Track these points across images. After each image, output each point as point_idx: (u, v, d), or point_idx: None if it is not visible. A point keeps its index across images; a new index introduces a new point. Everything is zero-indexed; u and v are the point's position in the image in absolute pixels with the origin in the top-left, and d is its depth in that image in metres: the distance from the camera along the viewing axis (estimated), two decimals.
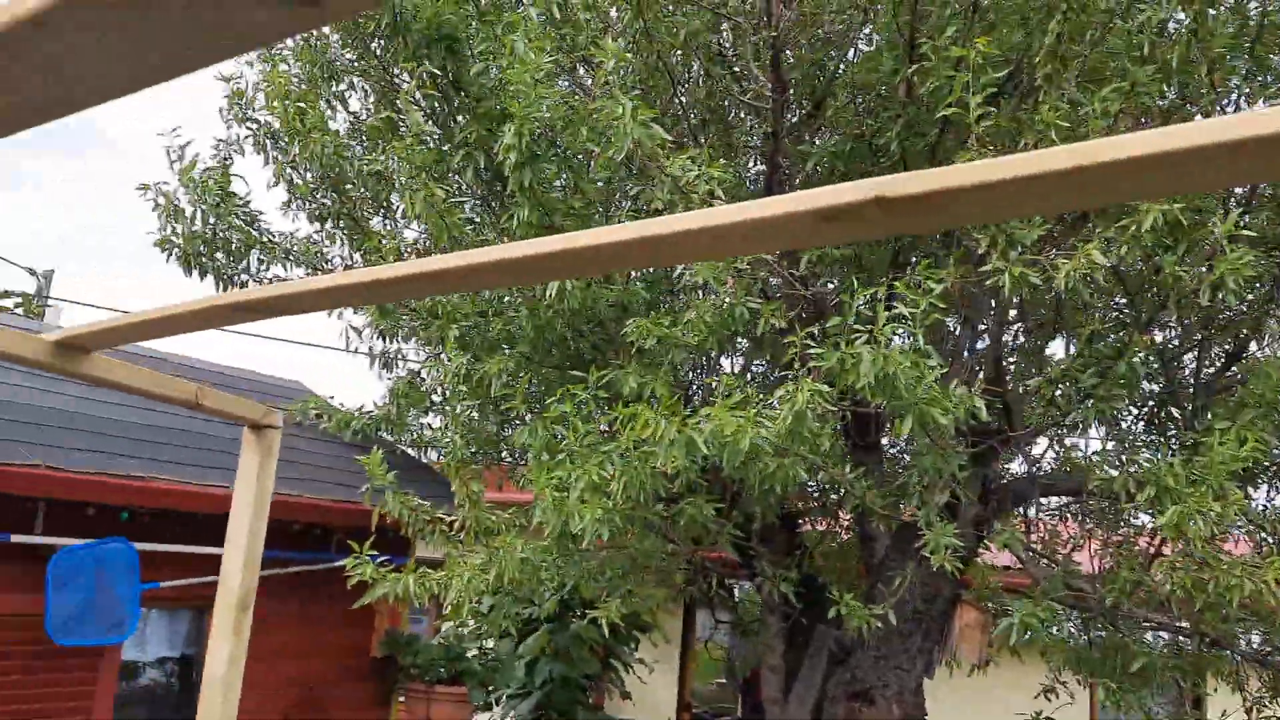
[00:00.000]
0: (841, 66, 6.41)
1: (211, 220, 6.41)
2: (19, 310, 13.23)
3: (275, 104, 6.13)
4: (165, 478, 5.92)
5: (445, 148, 5.94)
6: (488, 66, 5.10)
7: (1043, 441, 6.93)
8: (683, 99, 6.47)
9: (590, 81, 5.92)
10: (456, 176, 5.98)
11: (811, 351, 4.69)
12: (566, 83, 6.20)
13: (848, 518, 7.91)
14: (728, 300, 5.20)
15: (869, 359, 4.36)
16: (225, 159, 6.54)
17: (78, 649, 5.61)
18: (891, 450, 7.66)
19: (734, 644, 12.20)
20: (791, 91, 6.35)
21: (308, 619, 7.13)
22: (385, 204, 6.55)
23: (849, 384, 4.51)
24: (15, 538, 5.35)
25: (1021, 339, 7.05)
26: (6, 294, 13.40)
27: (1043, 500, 7.32)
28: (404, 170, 5.54)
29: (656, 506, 5.44)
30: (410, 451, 8.35)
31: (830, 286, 6.48)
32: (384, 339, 6.97)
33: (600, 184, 5.78)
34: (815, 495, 7.61)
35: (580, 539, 4.72)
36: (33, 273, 13.96)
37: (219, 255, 6.53)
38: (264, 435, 3.24)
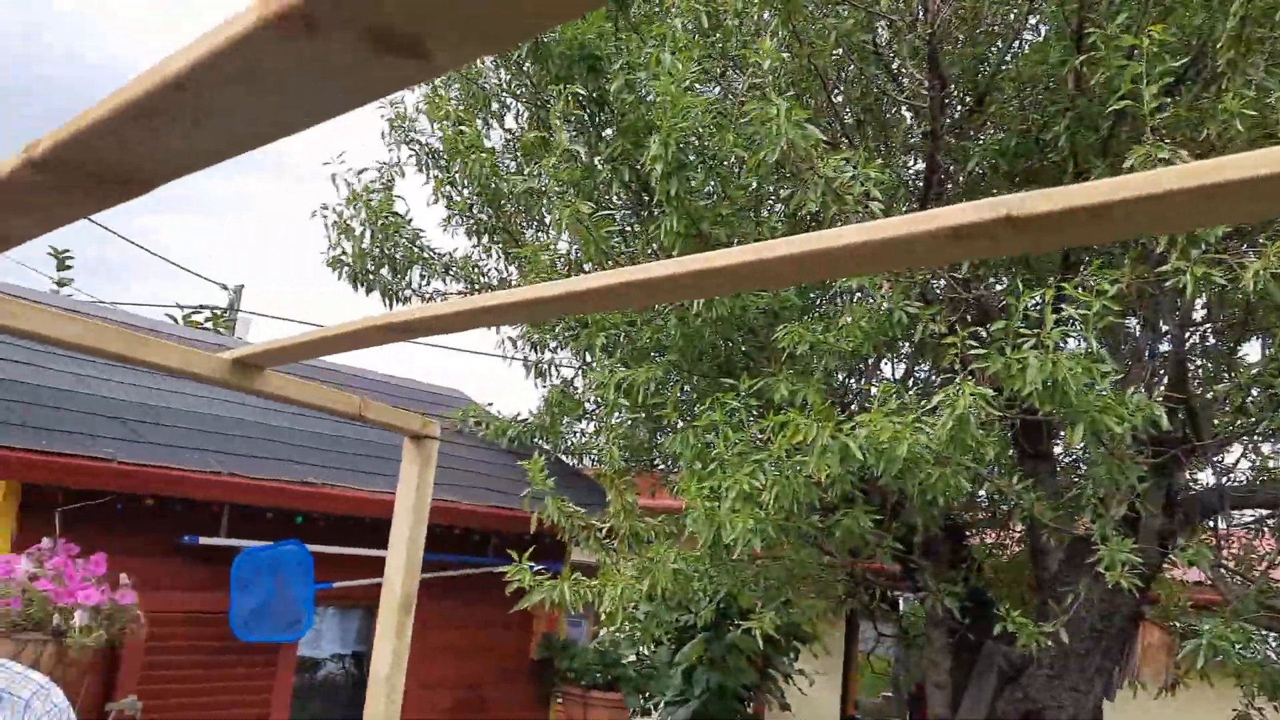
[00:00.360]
0: (1005, 60, 6.13)
1: (378, 238, 6.70)
2: (209, 324, 14.13)
3: (437, 126, 6.36)
4: (335, 484, 6.19)
5: (595, 161, 6.01)
6: (630, 82, 5.12)
7: (1235, 450, 6.44)
8: (836, 100, 6.33)
9: (740, 86, 5.87)
10: (605, 190, 6.04)
11: (973, 353, 4.50)
12: (716, 89, 6.17)
13: (1018, 530, 7.57)
14: (885, 305, 5.05)
15: (1035, 364, 4.15)
16: (388, 181, 6.83)
17: (258, 645, 5.93)
18: (1066, 460, 7.27)
19: (899, 657, 11.85)
20: (952, 87, 6.12)
21: (469, 621, 7.33)
22: (538, 218, 6.69)
23: (1015, 390, 4.30)
24: (203, 540, 5.71)
25: (1211, 340, 6.58)
26: (200, 308, 14.37)
27: (1236, 513, 6.80)
28: (551, 187, 5.65)
29: (811, 517, 5.33)
30: (565, 459, 8.47)
31: (997, 289, 6.21)
32: (536, 348, 7.10)
33: (750, 189, 5.73)
34: (983, 506, 7.30)
35: (732, 549, 4.67)
36: (225, 288, 14.92)
37: (384, 272, 6.82)
38: (423, 445, 3.34)
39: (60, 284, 12.52)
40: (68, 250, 12.61)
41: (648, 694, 8.31)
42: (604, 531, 5.71)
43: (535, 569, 5.52)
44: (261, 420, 6.56)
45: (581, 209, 5.34)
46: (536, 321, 6.14)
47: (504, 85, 6.74)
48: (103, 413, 5.54)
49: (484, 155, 6.22)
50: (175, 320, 13.52)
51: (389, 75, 0.78)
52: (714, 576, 5.38)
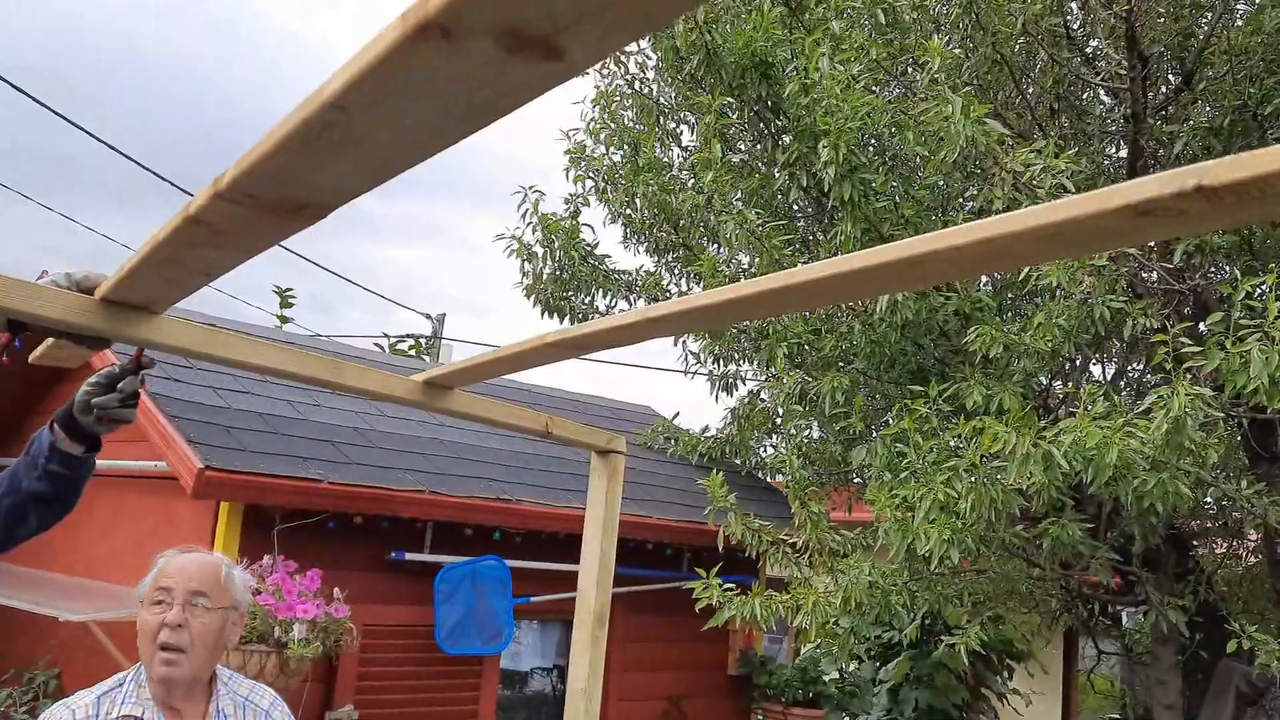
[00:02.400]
0: (1214, 32, 5.69)
1: (560, 259, 6.88)
2: (412, 352, 14.84)
3: (613, 150, 6.50)
4: (530, 500, 6.36)
5: (774, 171, 5.94)
6: (805, 86, 5.04)
7: None
8: (1027, 89, 6.04)
9: (921, 82, 5.69)
10: (782, 197, 5.97)
11: (1187, 350, 4.17)
12: (896, 88, 6.00)
13: (1253, 539, 6.97)
14: (1087, 301, 4.76)
15: (1260, 357, 3.80)
16: (575, 211, 7.02)
17: (463, 657, 6.15)
18: None
19: (1125, 677, 11.10)
20: (1154, 66, 5.73)
21: (667, 635, 7.35)
22: (714, 232, 6.70)
23: (1239, 387, 3.95)
24: (408, 555, 5.98)
25: None
26: (405, 337, 15.13)
27: None
28: (717, 201, 5.63)
29: (1015, 527, 5.06)
30: (757, 475, 8.40)
31: (1216, 278, 5.76)
32: (719, 362, 7.08)
33: (934, 188, 5.53)
34: (1211, 513, 6.75)
35: (929, 561, 4.49)
36: (428, 317, 15.66)
37: (570, 294, 6.98)
38: (609, 460, 3.38)
39: (283, 320, 13.46)
40: (290, 289, 13.57)
41: (851, 712, 8.10)
42: (794, 546, 5.61)
43: (725, 584, 5.47)
44: (459, 440, 6.82)
45: (749, 216, 5.29)
46: (706, 329, 6.12)
47: (677, 102, 6.79)
48: (316, 437, 5.90)
49: (654, 175, 6.28)
50: (382, 349, 14.29)
51: (529, 77, 0.78)
52: (913, 590, 5.18)
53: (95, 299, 1.77)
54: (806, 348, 5.82)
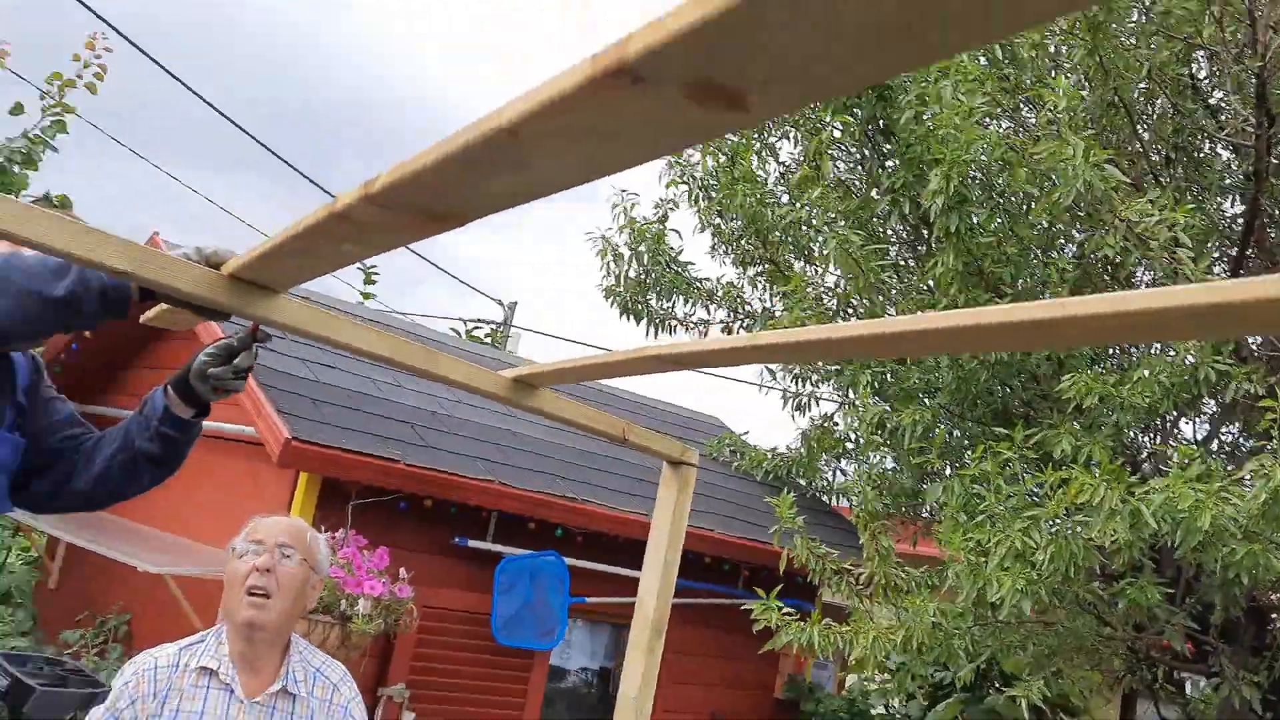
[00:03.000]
0: None
1: (645, 263, 6.88)
2: (487, 339, 14.94)
3: (710, 159, 6.48)
4: (595, 501, 6.38)
5: (873, 194, 5.87)
6: (918, 113, 4.97)
7: None
8: (1144, 136, 5.88)
9: (1034, 121, 5.57)
10: (881, 222, 5.89)
11: None
12: (1007, 124, 5.89)
13: None
14: (1190, 359, 4.62)
15: None
16: (663, 215, 7.02)
17: (514, 649, 6.18)
18: None
19: None
20: None
21: (715, 651, 7.31)
22: (806, 250, 6.62)
23: None
24: (471, 543, 6.04)
25: None
26: (480, 323, 15.23)
27: None
28: (820, 218, 5.57)
29: (1091, 584, 4.94)
30: (821, 497, 8.29)
31: None
32: (798, 381, 7.01)
33: (1039, 228, 5.42)
34: None
35: (999, 609, 4.40)
36: (500, 304, 15.77)
37: (651, 298, 6.98)
38: (680, 471, 3.37)
39: (366, 296, 13.65)
40: (374, 266, 13.73)
41: None
42: (859, 578, 5.54)
43: (784, 608, 5.42)
44: (530, 434, 6.87)
45: (852, 238, 5.24)
46: (804, 362, 6.08)
47: (784, 116, 6.73)
48: (395, 417, 5.99)
49: (753, 186, 6.24)
50: (459, 334, 14.43)
51: (706, 124, 0.80)
52: (977, 636, 5.09)
53: (223, 275, 1.82)
54: (889, 377, 5.74)
